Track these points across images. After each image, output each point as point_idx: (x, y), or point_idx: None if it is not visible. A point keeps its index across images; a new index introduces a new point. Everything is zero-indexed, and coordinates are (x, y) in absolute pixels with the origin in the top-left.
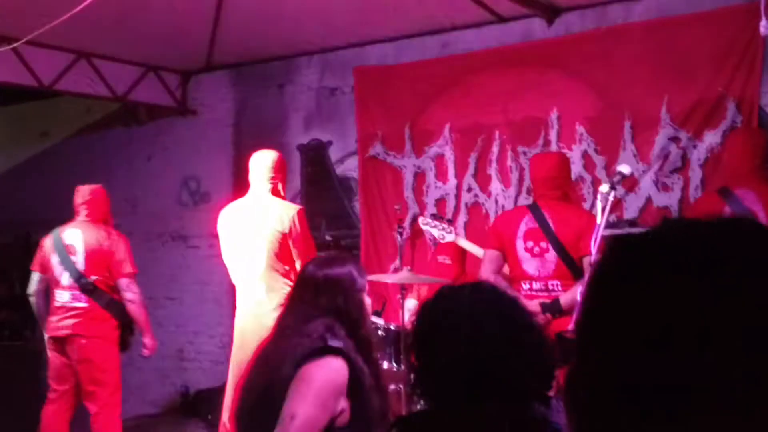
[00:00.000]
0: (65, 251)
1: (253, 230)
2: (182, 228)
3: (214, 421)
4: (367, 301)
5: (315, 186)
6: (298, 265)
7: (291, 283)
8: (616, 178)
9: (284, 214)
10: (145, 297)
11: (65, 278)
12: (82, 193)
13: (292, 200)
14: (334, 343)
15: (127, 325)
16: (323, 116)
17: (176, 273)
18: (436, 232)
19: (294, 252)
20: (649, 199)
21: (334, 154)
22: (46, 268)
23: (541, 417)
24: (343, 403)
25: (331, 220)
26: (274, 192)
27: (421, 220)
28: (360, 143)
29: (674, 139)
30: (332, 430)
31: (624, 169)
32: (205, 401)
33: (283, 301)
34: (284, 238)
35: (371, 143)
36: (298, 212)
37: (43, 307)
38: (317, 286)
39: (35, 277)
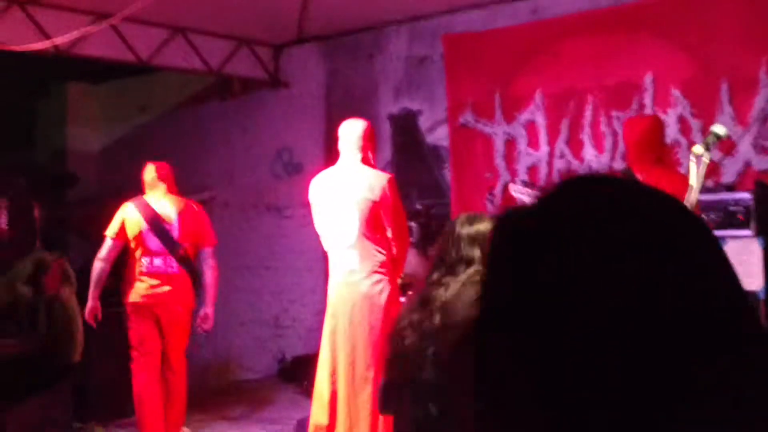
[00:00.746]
0: (158, 220)
1: (344, 199)
2: (276, 199)
3: (309, 387)
4: None
5: (405, 155)
6: (389, 233)
7: (383, 251)
8: (710, 139)
9: (375, 182)
10: (242, 266)
11: (155, 245)
12: (158, 168)
13: (383, 170)
14: None
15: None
16: (413, 85)
17: (271, 243)
18: (527, 199)
19: (385, 220)
20: (748, 163)
21: (424, 123)
22: (129, 236)
23: None
24: None
25: (422, 189)
26: (364, 161)
27: (511, 186)
28: (450, 111)
29: None
30: None
31: (718, 129)
32: (301, 367)
33: (375, 268)
34: (375, 207)
35: (461, 111)
36: (389, 180)
37: (107, 274)
38: (462, 239)
39: (110, 243)
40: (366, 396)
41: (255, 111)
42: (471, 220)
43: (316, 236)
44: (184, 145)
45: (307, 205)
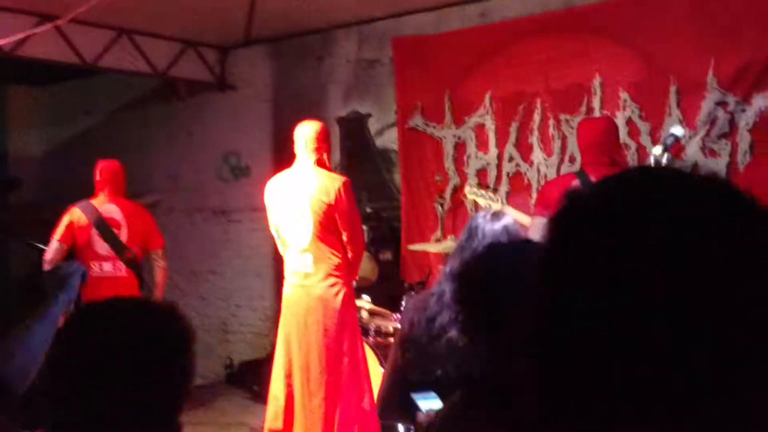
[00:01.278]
0: (106, 224)
1: (299, 202)
2: (223, 203)
3: (260, 392)
4: None
5: (355, 158)
6: (344, 237)
7: (338, 254)
8: (669, 140)
9: (330, 185)
10: (188, 271)
11: (104, 249)
12: (102, 169)
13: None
14: None
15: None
16: (362, 88)
17: (218, 247)
18: (482, 201)
19: (340, 223)
20: (695, 165)
21: (373, 126)
22: (77, 240)
23: None
24: None
25: (372, 192)
26: (319, 163)
27: (467, 189)
28: (399, 114)
29: (721, 104)
30: None
31: (677, 130)
32: (250, 372)
33: (330, 271)
34: (330, 210)
35: (411, 114)
36: (344, 183)
37: None
38: (493, 236)
39: (56, 246)
40: (320, 400)
41: (201, 114)
42: (496, 216)
43: (265, 241)
44: (128, 149)
45: (254, 209)
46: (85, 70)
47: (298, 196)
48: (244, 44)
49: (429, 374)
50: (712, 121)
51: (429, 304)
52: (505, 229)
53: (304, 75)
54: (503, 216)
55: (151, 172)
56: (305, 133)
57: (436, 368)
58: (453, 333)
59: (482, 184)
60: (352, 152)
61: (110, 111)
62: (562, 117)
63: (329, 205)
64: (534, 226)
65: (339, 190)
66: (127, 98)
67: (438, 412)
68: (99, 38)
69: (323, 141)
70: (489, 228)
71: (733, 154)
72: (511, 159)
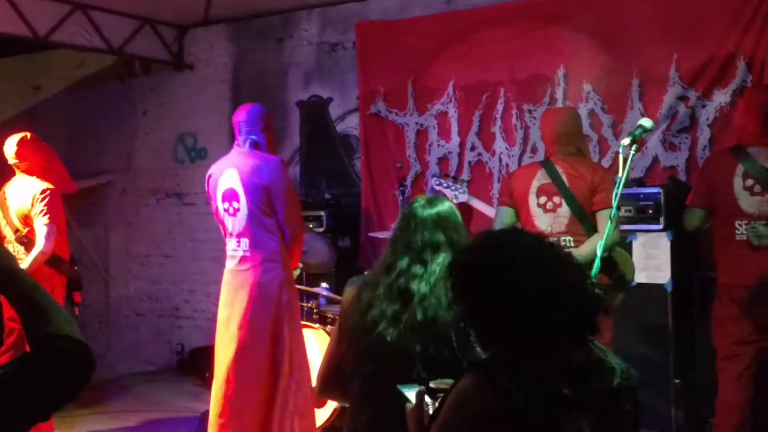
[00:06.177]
0: (4, 204)
1: (235, 185)
2: (178, 185)
3: (211, 379)
4: None
5: (315, 143)
6: (279, 218)
7: (275, 238)
8: (637, 132)
9: (264, 166)
10: (140, 254)
11: (8, 232)
12: (9, 145)
13: (291, 158)
14: None
15: (74, 282)
16: (324, 72)
17: (172, 230)
18: (449, 193)
19: (275, 204)
20: (656, 159)
21: (334, 110)
22: None
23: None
24: None
25: (331, 178)
26: (255, 145)
27: (434, 180)
28: (361, 100)
29: (683, 98)
30: None
31: (645, 122)
32: (202, 359)
33: (267, 255)
34: (265, 192)
35: (373, 100)
36: (278, 164)
37: None
38: (426, 223)
39: None
40: (259, 386)
41: (157, 93)
42: (431, 203)
43: (218, 224)
44: (80, 128)
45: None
46: (37, 45)
47: (232, 179)
48: (203, 23)
49: (361, 367)
50: (673, 115)
51: (361, 296)
52: (440, 215)
53: (264, 57)
54: (441, 202)
55: (104, 151)
56: (240, 117)
57: (367, 363)
58: (382, 326)
59: (450, 176)
60: (313, 137)
61: (62, 87)
62: (526, 107)
63: (264, 187)
64: (498, 217)
65: (273, 170)
66: (81, 74)
67: (444, 397)
68: (52, 12)
69: (257, 123)
70: (422, 215)
71: (692, 149)
72: (473, 148)
